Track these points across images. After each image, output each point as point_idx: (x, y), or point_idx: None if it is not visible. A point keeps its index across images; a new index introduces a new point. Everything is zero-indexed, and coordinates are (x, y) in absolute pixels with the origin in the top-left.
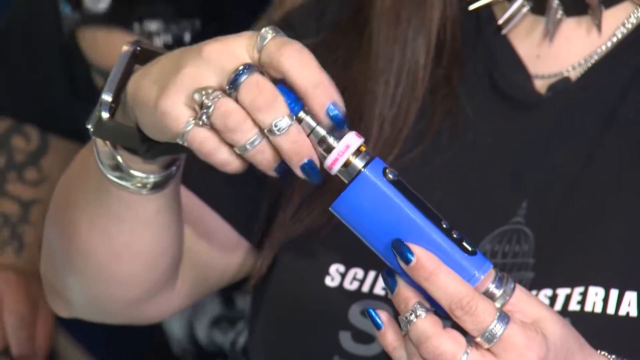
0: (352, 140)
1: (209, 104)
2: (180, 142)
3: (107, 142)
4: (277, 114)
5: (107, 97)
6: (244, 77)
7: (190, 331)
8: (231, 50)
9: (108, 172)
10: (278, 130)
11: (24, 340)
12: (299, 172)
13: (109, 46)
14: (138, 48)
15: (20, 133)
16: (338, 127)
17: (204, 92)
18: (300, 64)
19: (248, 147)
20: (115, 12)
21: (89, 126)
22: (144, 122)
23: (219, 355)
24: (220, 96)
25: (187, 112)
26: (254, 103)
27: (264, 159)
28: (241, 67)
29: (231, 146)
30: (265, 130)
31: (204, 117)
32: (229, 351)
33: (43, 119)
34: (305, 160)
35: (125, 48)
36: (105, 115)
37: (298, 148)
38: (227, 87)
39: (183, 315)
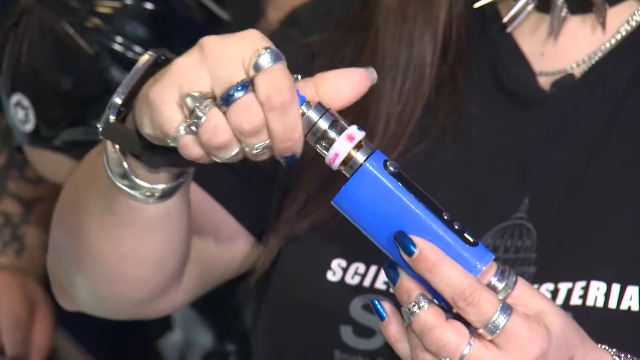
0: (354, 134)
1: (200, 115)
2: (172, 144)
3: (117, 149)
4: (258, 141)
5: (117, 100)
6: (237, 96)
7: None
8: (228, 57)
9: (117, 180)
10: (255, 151)
11: (19, 341)
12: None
13: (39, 163)
14: (162, 57)
15: None
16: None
17: (197, 100)
18: (277, 119)
19: (228, 160)
20: (39, 134)
21: (99, 126)
22: (142, 120)
23: None
24: (211, 106)
25: (179, 115)
26: (241, 128)
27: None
28: (238, 85)
29: None
30: (245, 149)
31: (192, 127)
32: None
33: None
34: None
35: (145, 57)
36: (112, 117)
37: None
38: (219, 101)
39: (176, 347)
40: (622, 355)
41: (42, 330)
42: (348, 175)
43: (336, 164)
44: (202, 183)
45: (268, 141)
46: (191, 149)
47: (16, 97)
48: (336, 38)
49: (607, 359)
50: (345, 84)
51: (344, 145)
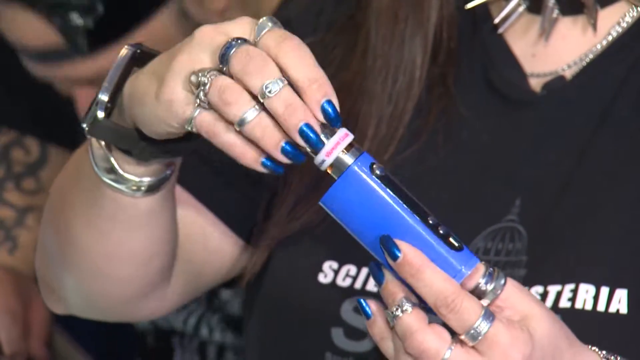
0: (343, 137)
1: (206, 82)
2: (189, 128)
3: (102, 144)
4: (268, 76)
5: (103, 97)
6: (233, 49)
7: None
8: (224, 32)
9: (103, 175)
10: (269, 92)
11: (16, 338)
12: (297, 138)
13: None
14: (138, 50)
15: (21, 146)
16: (332, 124)
17: (200, 73)
18: (298, 60)
19: (246, 119)
20: None
21: (84, 125)
22: (145, 118)
23: (175, 334)
24: (216, 74)
25: (190, 97)
26: (244, 69)
27: (265, 134)
28: (232, 40)
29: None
30: (259, 96)
31: (201, 95)
32: (182, 329)
33: (44, 129)
34: (302, 124)
35: (124, 50)
36: (100, 114)
37: (292, 110)
38: (220, 63)
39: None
40: (612, 357)
41: (39, 328)
42: (335, 177)
43: (324, 166)
44: (188, 187)
45: (282, 79)
46: (208, 124)
47: None
48: (327, 39)
49: None
50: None
51: (333, 147)
